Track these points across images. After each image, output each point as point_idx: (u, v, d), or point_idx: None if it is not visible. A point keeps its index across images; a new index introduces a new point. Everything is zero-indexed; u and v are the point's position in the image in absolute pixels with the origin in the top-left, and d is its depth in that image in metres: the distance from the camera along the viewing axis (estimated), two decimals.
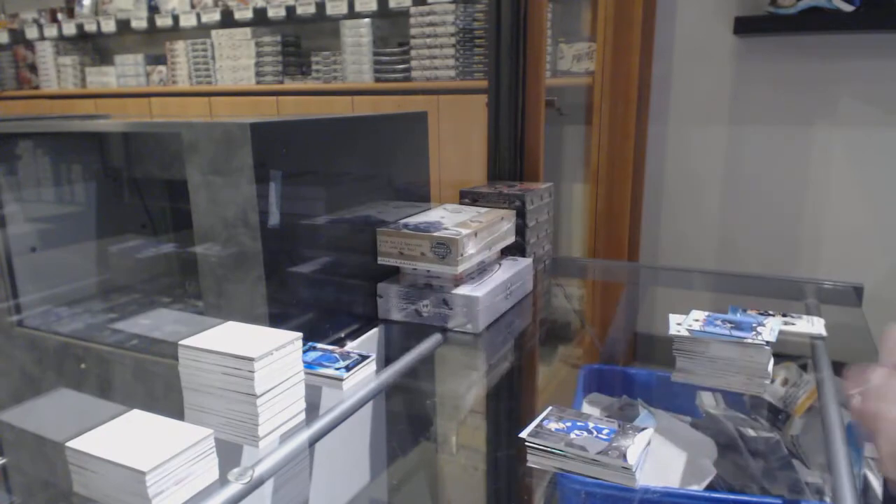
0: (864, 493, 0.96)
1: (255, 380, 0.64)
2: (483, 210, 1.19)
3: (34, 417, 1.15)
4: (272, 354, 0.66)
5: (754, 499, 0.93)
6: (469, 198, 1.30)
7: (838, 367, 0.92)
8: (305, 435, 0.70)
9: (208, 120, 0.87)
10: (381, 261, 1.05)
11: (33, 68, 4.06)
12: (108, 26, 3.61)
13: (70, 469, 0.57)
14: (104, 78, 3.76)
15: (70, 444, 0.57)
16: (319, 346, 0.86)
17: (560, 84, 2.48)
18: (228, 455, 0.63)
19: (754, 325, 0.92)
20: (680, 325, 0.93)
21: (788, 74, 2.27)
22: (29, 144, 1.20)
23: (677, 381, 0.93)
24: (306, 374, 0.74)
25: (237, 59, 3.21)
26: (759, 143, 2.36)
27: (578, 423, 0.70)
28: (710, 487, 1.03)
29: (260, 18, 3.12)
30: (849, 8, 2.03)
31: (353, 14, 2.87)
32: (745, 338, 0.88)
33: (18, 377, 1.16)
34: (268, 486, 0.65)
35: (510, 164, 1.49)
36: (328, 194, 0.97)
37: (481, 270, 1.11)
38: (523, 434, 0.69)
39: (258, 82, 3.16)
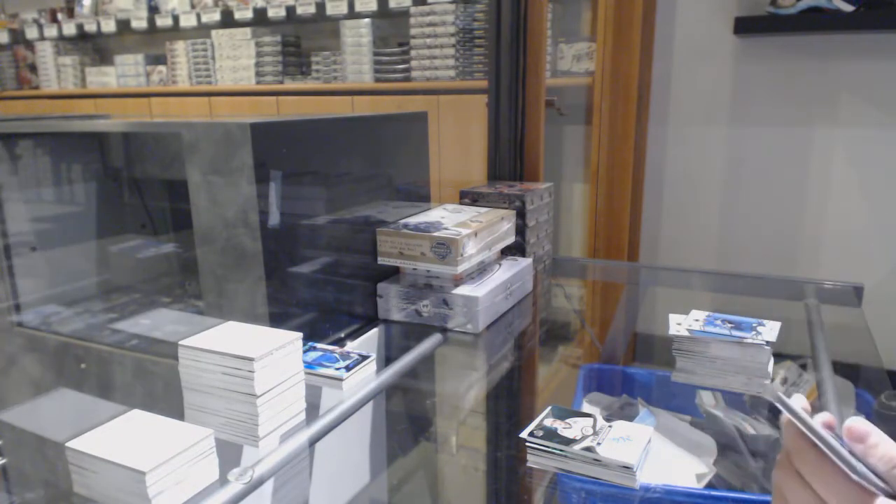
0: None
1: (255, 380, 0.65)
2: (483, 210, 1.19)
3: (34, 417, 1.15)
4: (272, 354, 0.66)
5: (754, 497, 0.93)
6: (469, 198, 1.30)
7: (838, 367, 0.92)
8: (305, 435, 0.70)
9: (208, 120, 0.87)
10: (381, 261, 1.05)
11: (33, 68, 4.06)
12: (108, 26, 3.61)
13: (70, 469, 0.57)
14: (104, 78, 3.76)
15: (70, 444, 0.57)
16: (319, 346, 0.86)
17: (560, 84, 2.48)
18: (228, 455, 0.63)
19: (754, 324, 0.92)
20: (680, 325, 0.93)
21: (788, 74, 2.27)
22: (29, 144, 1.20)
23: (677, 381, 0.93)
24: (306, 374, 0.74)
25: (237, 59, 3.21)
26: (759, 143, 2.37)
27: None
28: (709, 486, 1.03)
29: (260, 18, 3.12)
30: (849, 8, 2.03)
31: (353, 14, 2.87)
32: (745, 338, 0.88)
33: (18, 377, 1.16)
34: (268, 486, 0.65)
35: (510, 164, 1.49)
36: (328, 194, 0.97)
37: (481, 270, 1.11)
38: (523, 434, 0.69)
39: (258, 82, 3.16)
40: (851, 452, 0.43)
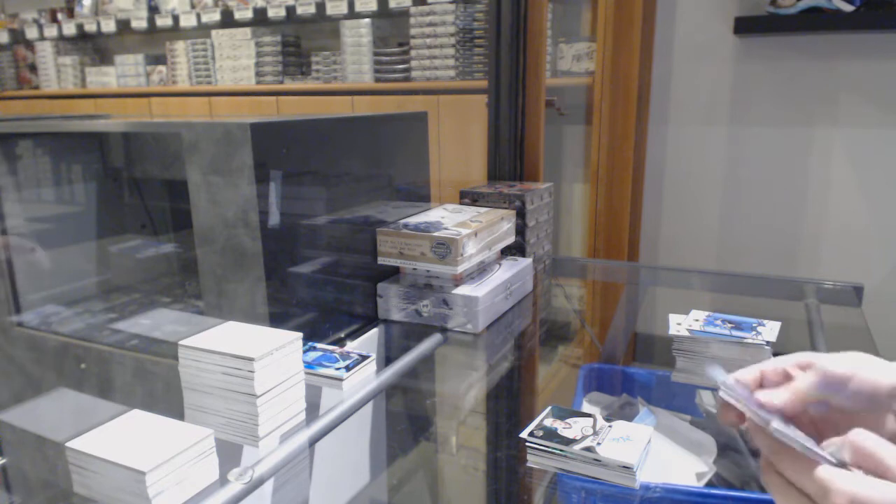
0: None
1: (255, 380, 0.65)
2: (483, 210, 1.19)
3: (34, 417, 1.15)
4: (272, 354, 0.66)
5: (754, 496, 0.93)
6: (469, 198, 1.30)
7: None
8: (305, 435, 0.70)
9: (208, 120, 0.87)
10: (381, 261, 1.05)
11: (33, 68, 4.05)
12: (108, 26, 3.61)
13: (70, 469, 0.57)
14: (104, 78, 3.76)
15: (70, 444, 0.57)
16: (319, 346, 0.86)
17: (560, 84, 2.48)
18: (228, 455, 0.63)
19: (754, 325, 0.92)
20: (680, 325, 0.93)
21: (788, 74, 2.27)
22: (29, 144, 1.20)
23: (677, 381, 0.93)
24: (306, 374, 0.74)
25: (237, 59, 3.21)
26: (759, 143, 2.37)
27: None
28: (709, 485, 1.03)
29: (260, 18, 3.12)
30: (849, 8, 2.03)
31: (353, 14, 2.87)
32: (745, 338, 0.88)
33: (18, 377, 1.16)
34: (268, 486, 0.65)
35: (510, 164, 1.49)
36: (328, 194, 0.97)
37: (481, 270, 1.12)
38: (523, 434, 0.69)
39: (258, 82, 3.16)
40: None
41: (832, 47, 2.20)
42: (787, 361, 0.52)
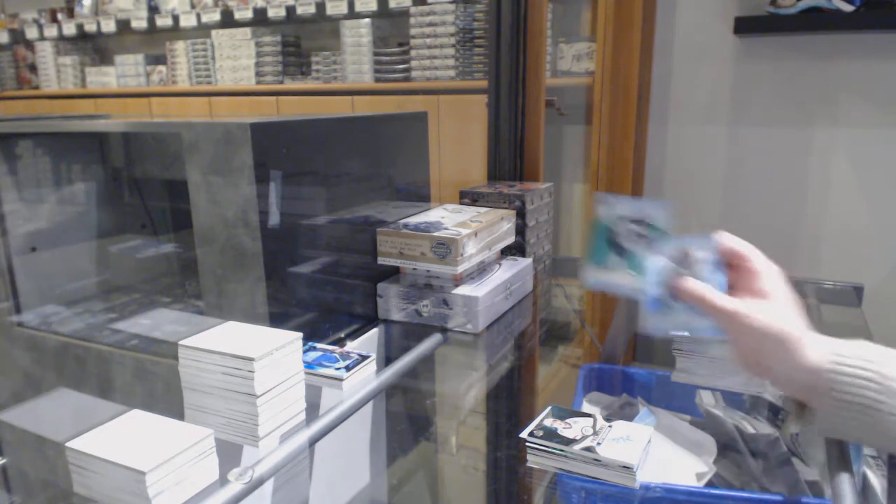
0: (863, 491, 0.96)
1: (255, 380, 0.65)
2: (483, 210, 1.19)
3: (34, 417, 1.15)
4: (272, 354, 0.66)
5: (754, 496, 0.93)
6: (469, 198, 1.30)
7: None
8: (305, 435, 0.70)
9: (208, 120, 0.87)
10: (381, 261, 1.05)
11: (33, 68, 4.06)
12: (108, 26, 3.61)
13: (70, 469, 0.57)
14: (104, 78, 3.76)
15: (70, 444, 0.57)
16: (319, 346, 0.86)
17: (560, 84, 2.48)
18: (228, 455, 0.64)
19: None
20: None
21: (788, 74, 2.27)
22: (29, 144, 1.20)
23: (677, 381, 0.93)
24: (306, 374, 0.74)
25: (237, 59, 3.21)
26: (759, 143, 2.36)
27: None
28: (709, 485, 1.03)
29: (260, 18, 3.12)
30: (849, 8, 2.03)
31: (353, 14, 2.87)
32: None
33: (18, 377, 1.16)
34: (268, 486, 0.65)
35: (510, 164, 1.49)
36: (328, 194, 0.97)
37: (481, 270, 1.12)
38: (523, 434, 0.69)
39: (258, 82, 3.16)
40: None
41: (832, 47, 2.20)
42: (731, 244, 0.76)
